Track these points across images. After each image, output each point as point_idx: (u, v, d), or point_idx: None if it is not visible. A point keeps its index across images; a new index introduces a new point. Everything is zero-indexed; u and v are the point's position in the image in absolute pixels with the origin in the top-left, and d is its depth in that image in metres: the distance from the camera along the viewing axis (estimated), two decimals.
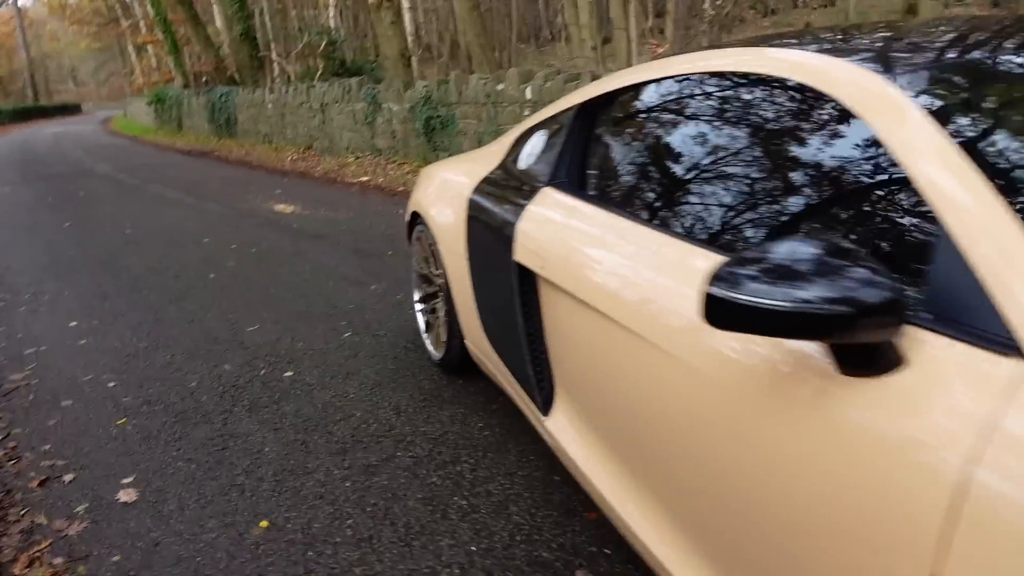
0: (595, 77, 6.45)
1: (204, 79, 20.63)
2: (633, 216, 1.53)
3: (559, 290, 1.66)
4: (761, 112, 1.35)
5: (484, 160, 2.59)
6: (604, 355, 1.48)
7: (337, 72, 14.61)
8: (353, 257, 4.89)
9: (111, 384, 3.01)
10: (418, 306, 3.08)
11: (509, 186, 2.11)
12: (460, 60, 16.22)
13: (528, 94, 7.16)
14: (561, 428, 1.77)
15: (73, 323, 3.84)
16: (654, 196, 1.53)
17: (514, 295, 1.89)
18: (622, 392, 1.42)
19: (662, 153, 1.57)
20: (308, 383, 2.88)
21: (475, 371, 2.69)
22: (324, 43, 13.75)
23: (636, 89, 1.74)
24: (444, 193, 2.59)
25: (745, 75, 1.41)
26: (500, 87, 7.52)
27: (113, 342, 3.51)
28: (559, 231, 1.72)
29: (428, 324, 2.99)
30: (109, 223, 6.77)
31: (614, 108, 1.83)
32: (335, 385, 2.84)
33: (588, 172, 1.87)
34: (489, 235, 2.11)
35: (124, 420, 2.67)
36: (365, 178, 8.83)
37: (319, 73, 14.57)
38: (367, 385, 2.82)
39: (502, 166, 2.30)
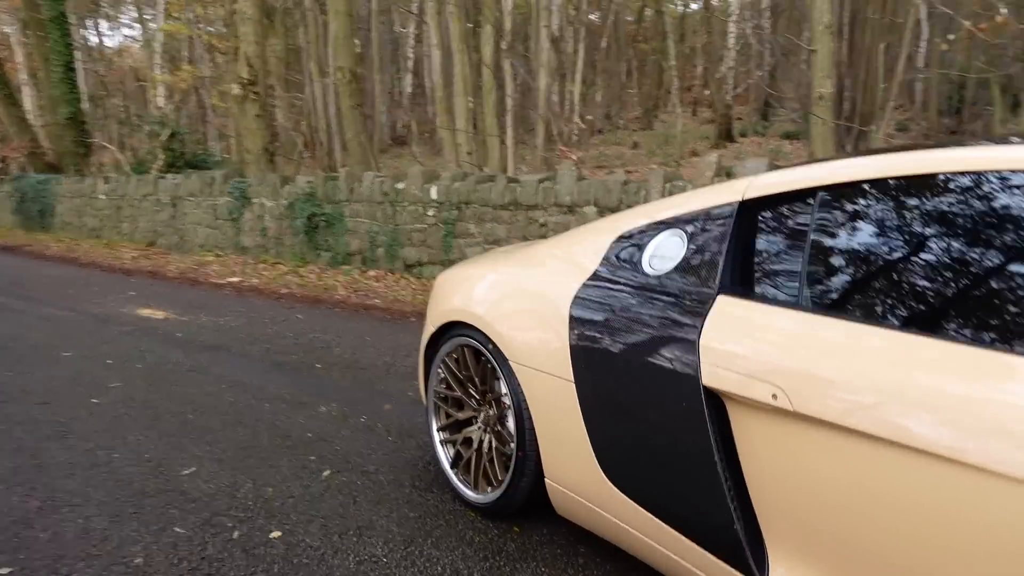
0: (512, 180, 6.36)
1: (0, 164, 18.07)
2: (932, 333, 1.27)
3: (808, 423, 1.34)
4: None
5: (542, 262, 2.24)
6: (919, 504, 1.18)
7: (175, 164, 13.45)
8: (276, 372, 4.14)
9: (3, 572, 2.10)
10: (438, 435, 2.55)
11: (647, 294, 1.77)
12: (322, 158, 15.69)
13: (433, 194, 6.89)
14: None
15: None
16: (962, 308, 1.28)
17: (706, 431, 1.52)
18: (954, 548, 1.13)
19: (939, 259, 1.34)
20: (311, 546, 2.20)
21: (538, 515, 2.22)
22: (168, 134, 12.60)
23: (844, 187, 1.52)
24: (515, 301, 2.17)
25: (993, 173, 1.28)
26: (400, 186, 7.19)
27: None
28: (800, 351, 1.41)
29: (457, 457, 2.46)
30: None
31: (814, 207, 1.57)
32: (352, 546, 2.20)
33: (776, 277, 1.60)
34: (631, 355, 1.73)
35: None
36: (235, 279, 7.90)
37: (157, 164, 13.30)
38: (396, 542, 2.21)
39: (607, 269, 1.95)
